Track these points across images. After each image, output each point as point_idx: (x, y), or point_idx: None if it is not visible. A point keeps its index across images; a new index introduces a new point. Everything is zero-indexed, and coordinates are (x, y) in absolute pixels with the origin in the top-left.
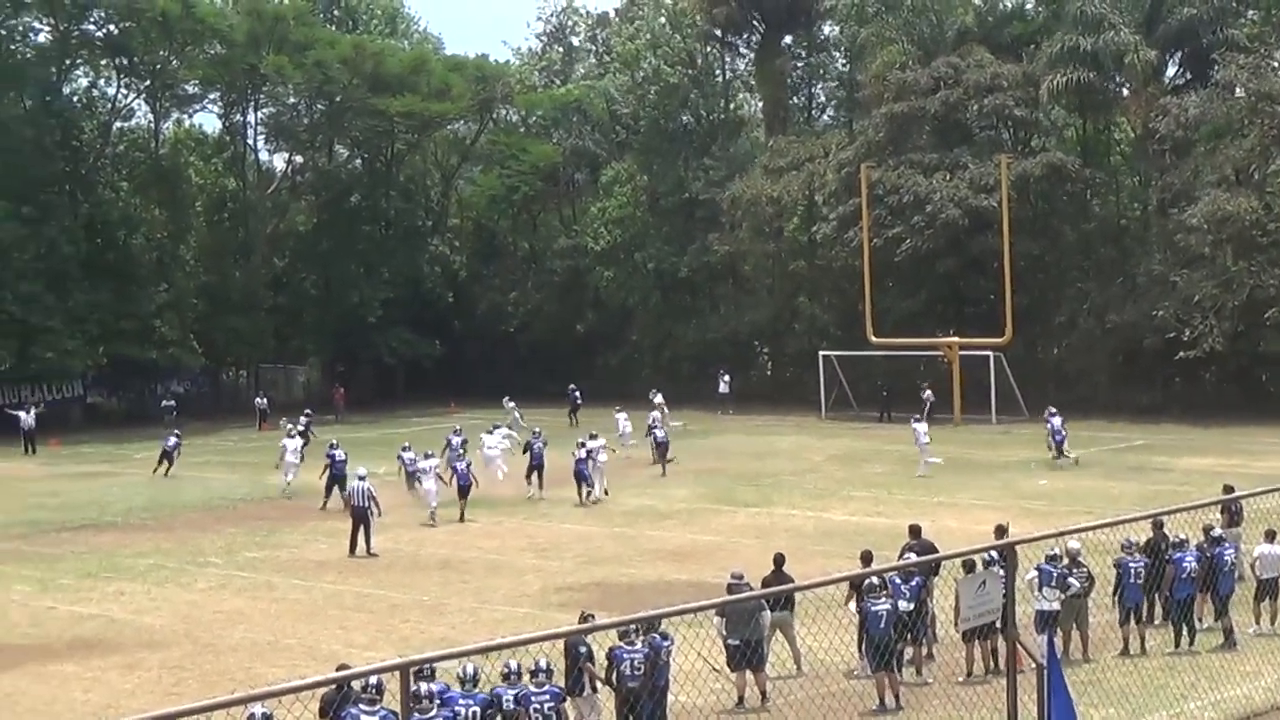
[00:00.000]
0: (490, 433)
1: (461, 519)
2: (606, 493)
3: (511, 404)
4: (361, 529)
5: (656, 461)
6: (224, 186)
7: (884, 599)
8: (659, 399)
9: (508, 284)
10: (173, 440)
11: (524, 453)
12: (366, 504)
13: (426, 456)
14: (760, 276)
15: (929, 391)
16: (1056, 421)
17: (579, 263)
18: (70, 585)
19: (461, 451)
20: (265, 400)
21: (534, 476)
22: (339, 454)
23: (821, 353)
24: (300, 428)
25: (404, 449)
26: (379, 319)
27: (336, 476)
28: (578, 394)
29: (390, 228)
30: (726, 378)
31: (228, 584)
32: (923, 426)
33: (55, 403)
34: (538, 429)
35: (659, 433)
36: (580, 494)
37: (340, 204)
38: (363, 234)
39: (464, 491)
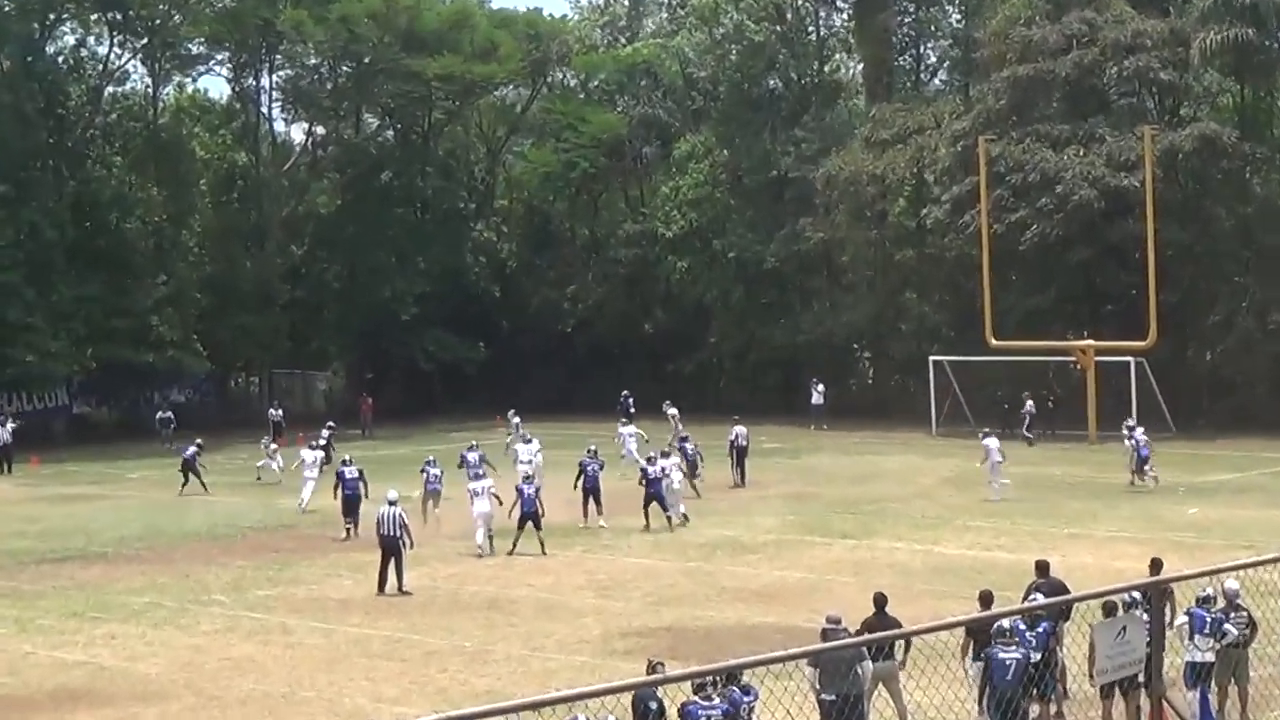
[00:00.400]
0: (527, 441)
1: (543, 548)
2: (686, 519)
3: (517, 419)
4: (392, 562)
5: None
6: (233, 162)
7: (1014, 647)
8: (673, 411)
9: (564, 276)
10: (191, 450)
11: (577, 478)
12: (398, 533)
13: (477, 475)
14: (860, 268)
15: (1030, 403)
16: (1140, 435)
17: (647, 251)
18: (52, 627)
19: (481, 471)
20: (280, 412)
21: (590, 502)
22: (349, 471)
23: (932, 358)
24: (321, 442)
25: (428, 463)
26: (413, 317)
27: (348, 499)
28: (630, 401)
29: (427, 210)
30: (820, 387)
31: (235, 626)
32: (995, 443)
33: (35, 413)
34: (592, 445)
35: (688, 447)
36: (649, 518)
37: (368, 182)
38: (395, 217)
39: (530, 520)
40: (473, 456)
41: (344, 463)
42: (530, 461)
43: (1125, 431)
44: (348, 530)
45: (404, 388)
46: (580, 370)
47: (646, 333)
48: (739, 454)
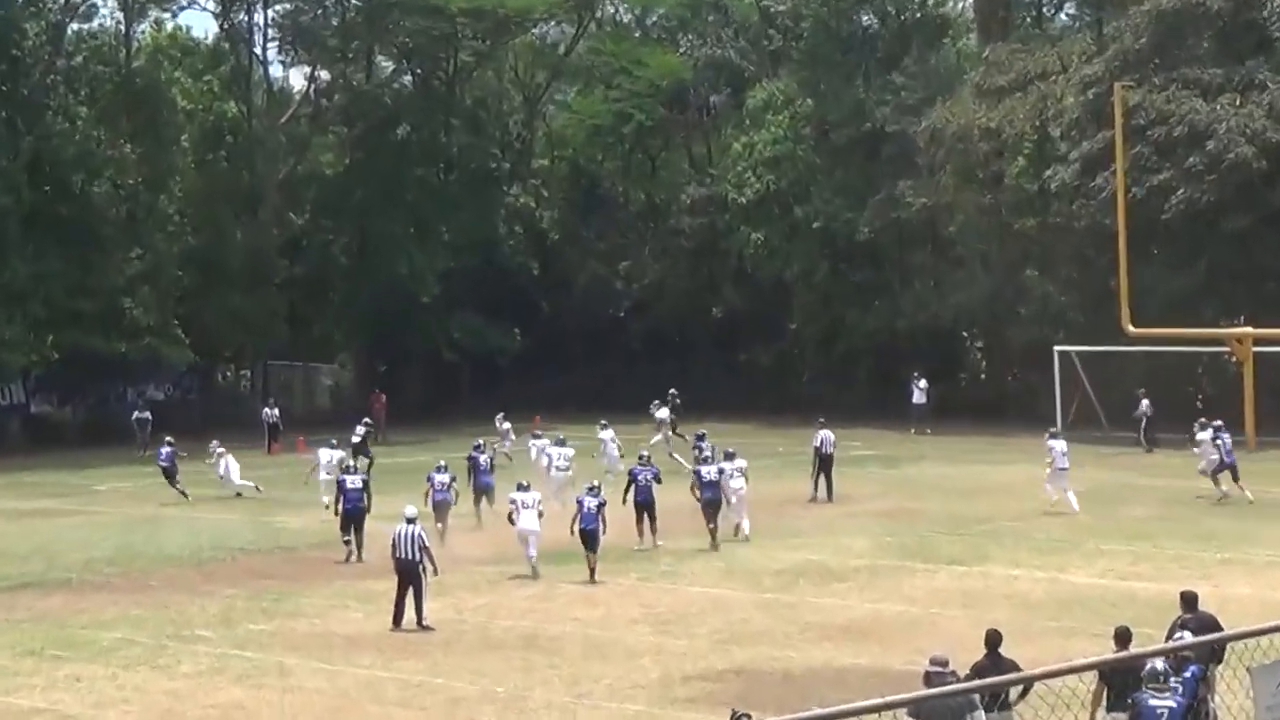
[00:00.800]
0: (561, 443)
1: (593, 576)
2: (747, 536)
3: (506, 424)
4: (410, 591)
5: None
6: (221, 113)
7: (1168, 694)
8: (663, 413)
9: (616, 250)
10: (165, 451)
11: (626, 490)
12: (417, 557)
13: (522, 487)
14: (971, 240)
15: (1145, 401)
16: (1227, 439)
17: (716, 220)
18: (5, 667)
19: (490, 479)
20: (276, 412)
21: (644, 519)
22: (351, 481)
23: (1057, 348)
24: (356, 439)
25: (439, 469)
26: (436, 298)
27: (348, 514)
28: (677, 400)
29: (452, 171)
30: (923, 383)
31: (223, 668)
32: (1061, 445)
33: None
34: (644, 452)
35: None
36: (716, 536)
37: (382, 138)
38: (413, 179)
39: (587, 540)
40: (484, 459)
41: (346, 470)
42: (567, 468)
43: (1208, 432)
44: (349, 551)
45: (424, 383)
46: (634, 362)
47: (714, 317)
48: (824, 463)
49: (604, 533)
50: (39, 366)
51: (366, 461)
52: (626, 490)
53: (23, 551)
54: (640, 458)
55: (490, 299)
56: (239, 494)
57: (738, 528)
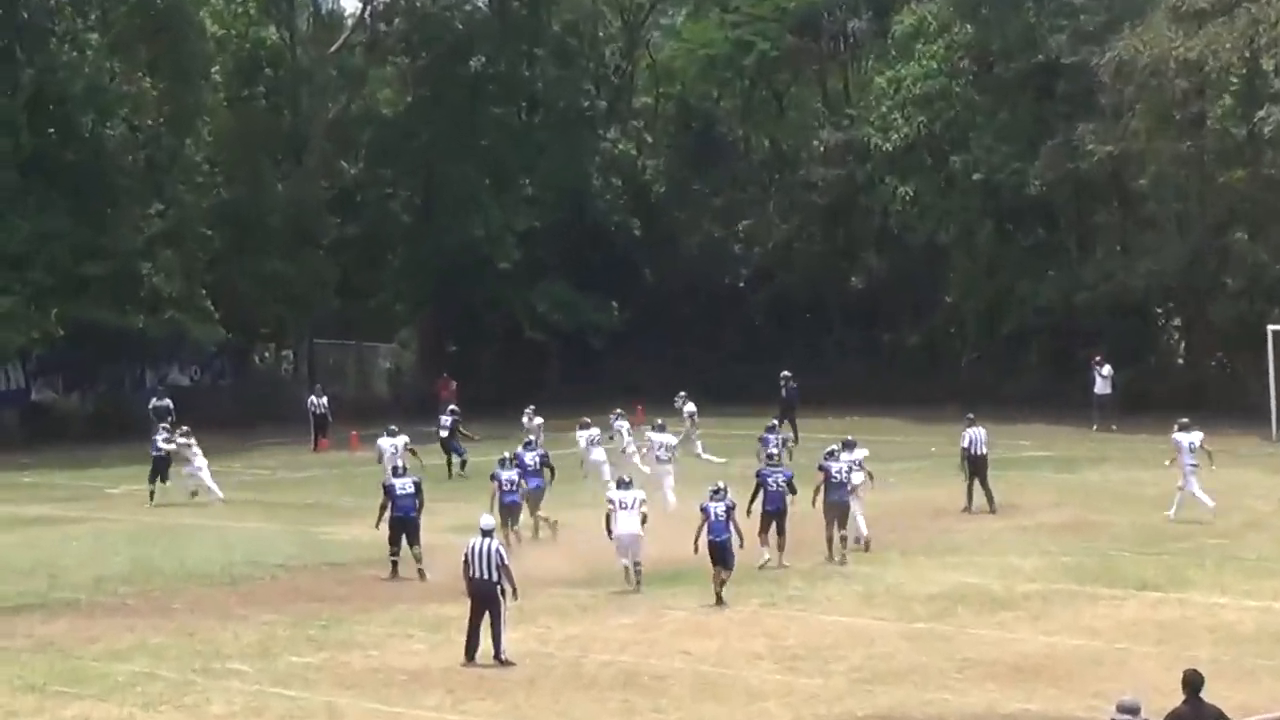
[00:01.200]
0: (658, 429)
1: (720, 598)
2: (867, 546)
3: (538, 419)
4: (486, 618)
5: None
6: (259, 41)
7: None
8: (691, 407)
9: (734, 207)
10: (161, 436)
11: (753, 495)
12: (494, 576)
13: (623, 484)
14: (1166, 196)
15: None
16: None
17: (855, 171)
18: (2, 705)
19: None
20: (324, 400)
21: (772, 530)
22: (402, 484)
23: (1271, 327)
24: (443, 431)
25: (506, 463)
26: (517, 264)
27: (397, 521)
28: (794, 385)
29: (537, 110)
30: (1106, 369)
31: (261, 708)
32: (1189, 438)
33: None
34: (773, 448)
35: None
36: (836, 547)
37: (453, 70)
38: (490, 121)
39: (718, 554)
40: (531, 458)
41: (395, 471)
42: (669, 459)
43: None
44: (394, 563)
45: (502, 365)
46: (755, 341)
47: (851, 288)
48: (975, 466)
49: (740, 545)
50: (40, 345)
51: (460, 459)
52: (754, 496)
53: (22, 567)
54: (768, 456)
55: (582, 265)
56: (194, 493)
57: (860, 537)
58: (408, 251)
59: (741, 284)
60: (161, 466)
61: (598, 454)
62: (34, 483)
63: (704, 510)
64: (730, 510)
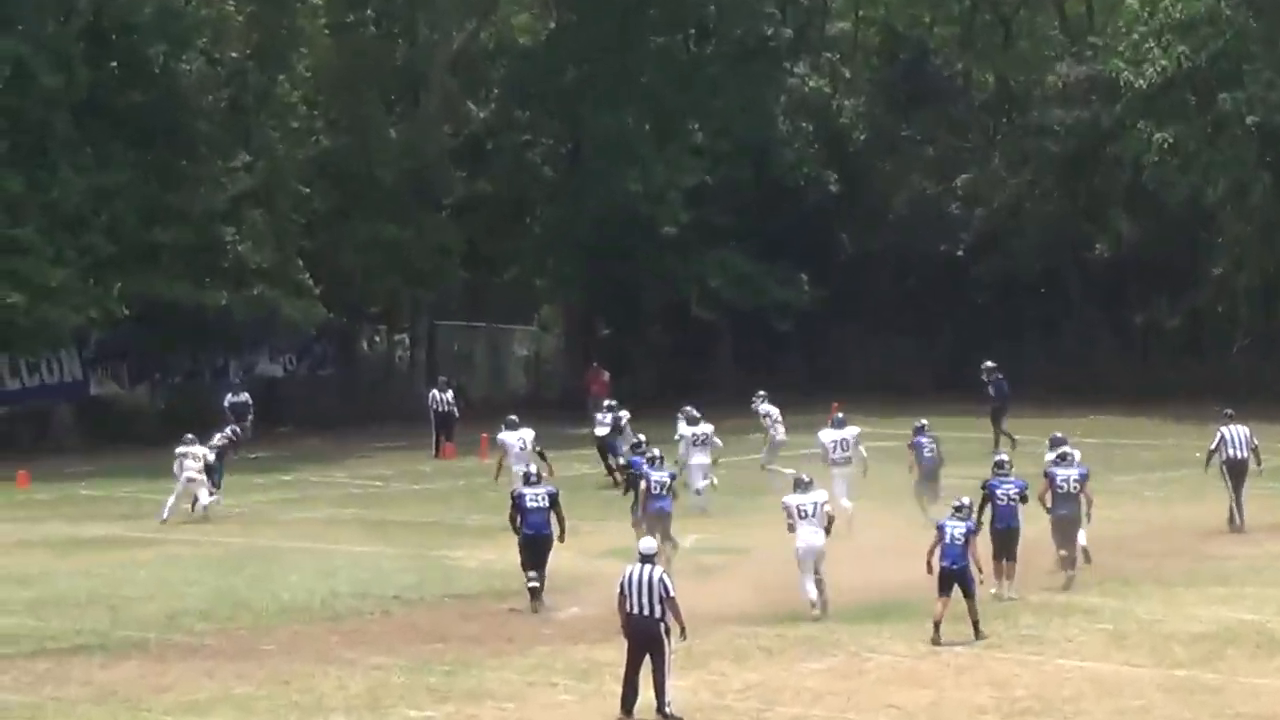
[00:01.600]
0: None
1: (978, 630)
2: (1087, 558)
3: (624, 414)
4: (648, 662)
5: None
6: None
7: None
8: (769, 408)
9: (952, 158)
10: (218, 439)
11: (980, 510)
12: (658, 612)
13: (802, 484)
14: None
15: None
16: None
17: (1100, 113)
18: None
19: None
20: (450, 394)
21: (1002, 557)
22: (533, 496)
23: None
24: (603, 429)
25: (653, 461)
26: (684, 229)
27: (529, 540)
28: (1001, 379)
29: (708, 41)
30: None
31: None
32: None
33: (22, 394)
34: (1001, 455)
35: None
36: (1075, 567)
37: None
38: (650, 53)
39: (956, 581)
40: (657, 479)
41: (526, 480)
42: (847, 460)
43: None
44: (532, 589)
45: (666, 351)
46: (977, 322)
47: (1097, 257)
48: (1233, 472)
49: (980, 579)
50: (100, 327)
51: (623, 464)
52: (980, 510)
53: (79, 599)
54: (997, 464)
55: (764, 229)
56: (196, 502)
57: (1085, 552)
58: (550, 214)
59: (960, 252)
60: (211, 469)
61: (700, 456)
62: (93, 495)
63: (940, 529)
64: (971, 534)
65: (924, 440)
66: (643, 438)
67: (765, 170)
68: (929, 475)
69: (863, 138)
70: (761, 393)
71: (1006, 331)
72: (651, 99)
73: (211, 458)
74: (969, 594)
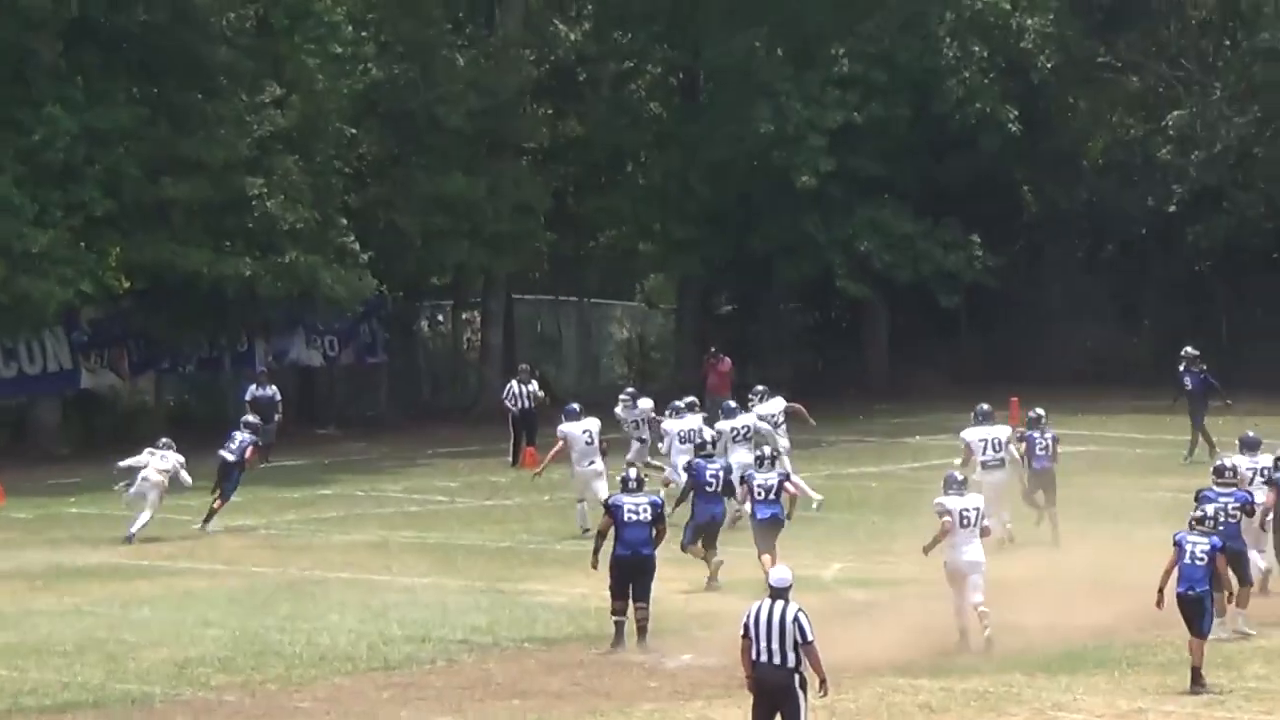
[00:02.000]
0: (986, 418)
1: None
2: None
3: (648, 403)
4: None
5: None
6: None
7: None
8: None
9: (1162, 90)
10: (244, 438)
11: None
12: (792, 661)
13: (955, 483)
14: None
15: None
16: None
17: None
18: None
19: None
20: (533, 385)
21: (1233, 585)
22: (631, 506)
23: None
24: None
25: (761, 461)
26: (825, 180)
27: (626, 563)
28: (1200, 371)
29: None
30: None
31: None
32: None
33: (6, 387)
34: (1223, 459)
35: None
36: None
37: None
38: None
39: (1197, 614)
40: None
41: (625, 485)
42: (1000, 462)
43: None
44: (618, 626)
45: (803, 334)
46: (1192, 296)
47: None
48: None
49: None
50: (94, 303)
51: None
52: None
53: (66, 645)
54: (1217, 473)
55: (928, 182)
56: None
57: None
58: (659, 161)
59: (1172, 209)
60: (228, 472)
61: (741, 453)
62: (84, 514)
63: (1178, 544)
64: (1216, 551)
65: (1035, 435)
66: (709, 435)
67: (928, 107)
68: (1044, 483)
69: (1050, 66)
70: (760, 388)
71: (1229, 309)
72: (785, 20)
73: (184, 475)
74: (1198, 631)
